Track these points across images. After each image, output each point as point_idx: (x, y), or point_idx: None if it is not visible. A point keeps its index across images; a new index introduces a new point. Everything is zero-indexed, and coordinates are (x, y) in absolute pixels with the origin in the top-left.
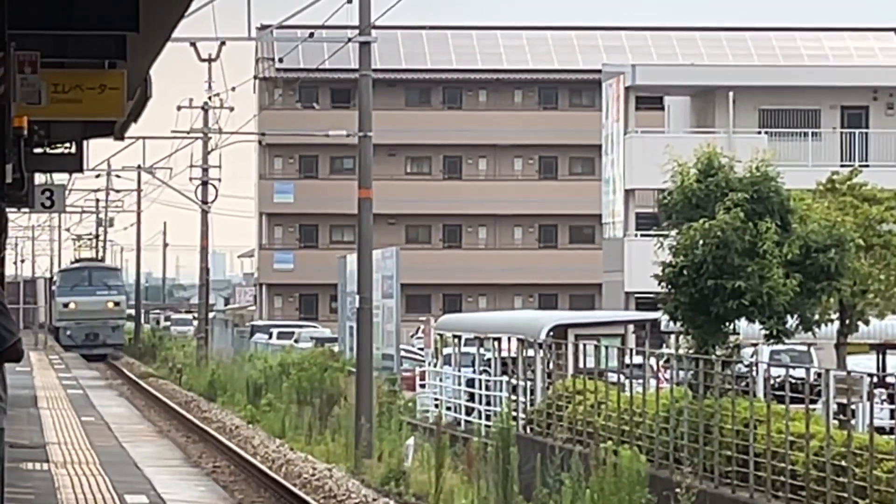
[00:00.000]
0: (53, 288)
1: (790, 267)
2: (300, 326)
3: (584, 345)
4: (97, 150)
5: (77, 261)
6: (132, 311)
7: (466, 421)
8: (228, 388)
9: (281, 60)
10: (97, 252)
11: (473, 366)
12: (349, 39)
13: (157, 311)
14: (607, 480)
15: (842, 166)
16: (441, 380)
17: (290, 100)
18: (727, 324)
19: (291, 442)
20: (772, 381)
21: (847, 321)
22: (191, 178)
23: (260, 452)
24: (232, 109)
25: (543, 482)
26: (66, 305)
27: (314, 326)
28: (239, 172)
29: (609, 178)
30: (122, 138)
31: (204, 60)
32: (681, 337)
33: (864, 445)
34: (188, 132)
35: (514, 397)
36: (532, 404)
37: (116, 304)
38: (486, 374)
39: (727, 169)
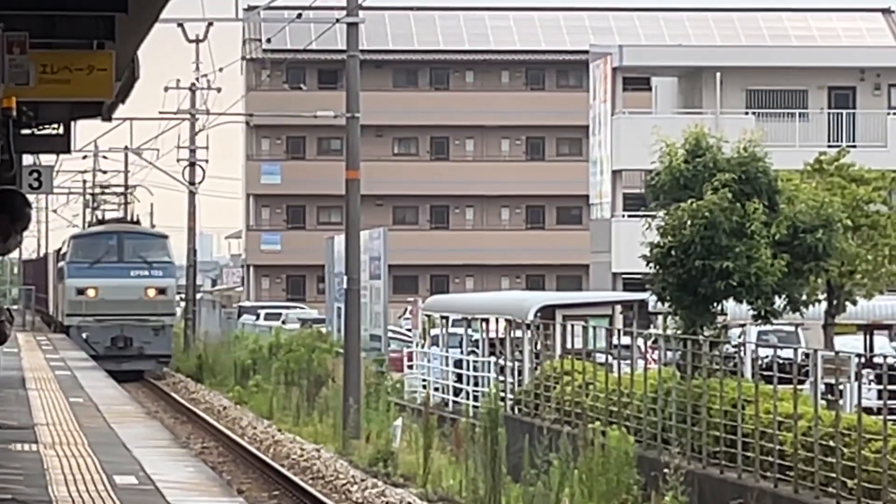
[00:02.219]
0: (62, 265)
1: (778, 247)
2: (287, 308)
3: (572, 325)
4: (84, 131)
5: (100, 222)
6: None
7: (454, 402)
8: (216, 370)
9: (268, 41)
10: (129, 212)
11: (461, 346)
12: (337, 20)
13: None
14: (595, 461)
15: (829, 147)
16: (429, 361)
17: (277, 81)
18: (715, 304)
19: (279, 423)
20: (759, 362)
21: (835, 301)
22: (178, 160)
23: (248, 433)
24: (219, 90)
25: (531, 463)
26: (81, 292)
27: (301, 308)
28: (226, 153)
29: (596, 158)
30: (109, 119)
31: (191, 41)
32: (668, 317)
33: (852, 426)
34: (175, 113)
35: (501, 378)
36: (520, 385)
37: (162, 291)
38: (474, 355)
39: (715, 149)
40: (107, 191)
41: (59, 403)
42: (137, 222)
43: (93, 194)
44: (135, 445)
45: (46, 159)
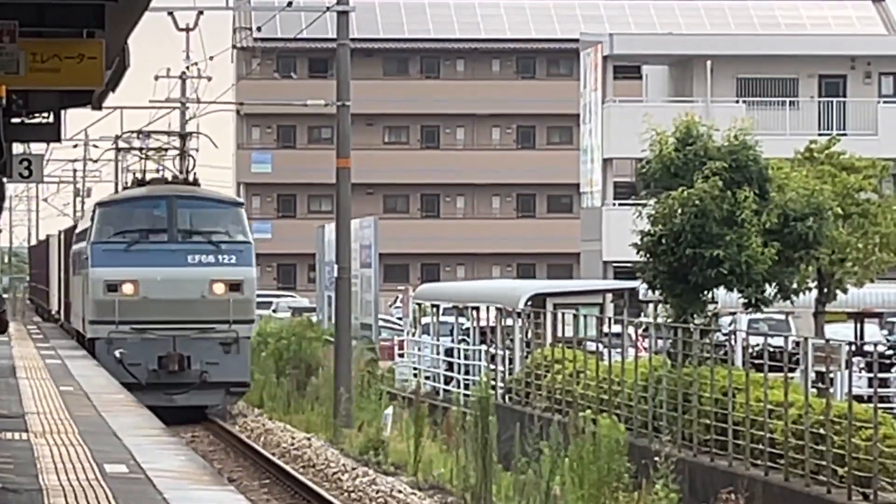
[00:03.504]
0: (80, 248)
1: (768, 235)
2: (278, 296)
3: (563, 314)
4: (75, 119)
5: (141, 182)
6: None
7: (445, 390)
8: None
9: (259, 30)
10: (185, 170)
11: (452, 335)
12: (327, 9)
13: None
14: (586, 449)
15: (819, 135)
16: (419, 349)
17: (267, 69)
18: (705, 292)
19: (270, 412)
20: (750, 350)
21: (825, 290)
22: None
23: (239, 422)
24: (210, 79)
25: (522, 451)
26: (112, 288)
27: (292, 296)
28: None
29: (587, 147)
30: (100, 108)
31: (182, 30)
32: (659, 306)
33: (842, 414)
34: (165, 101)
35: (492, 366)
36: (511, 373)
37: (236, 286)
38: (465, 344)
39: (705, 138)
40: (144, 138)
41: (50, 392)
42: (196, 182)
43: (119, 148)
44: (125, 434)
45: (37, 148)
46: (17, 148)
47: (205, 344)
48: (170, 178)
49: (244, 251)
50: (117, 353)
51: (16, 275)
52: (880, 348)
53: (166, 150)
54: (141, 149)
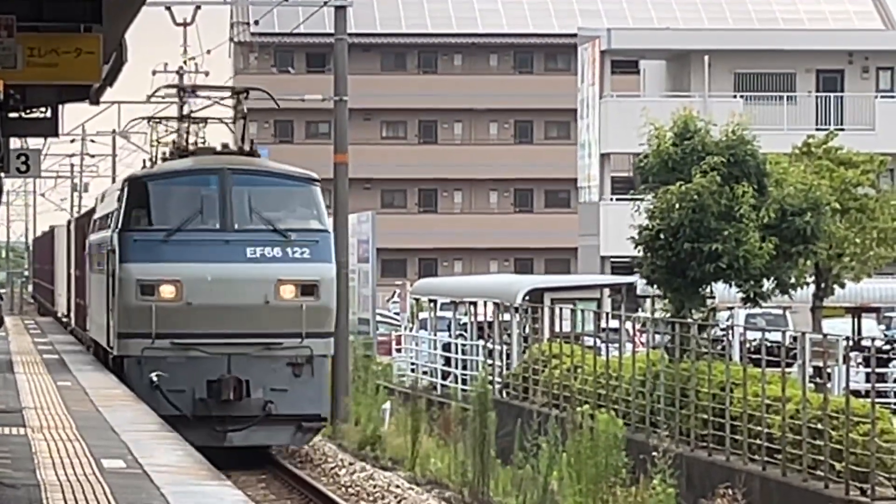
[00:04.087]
0: (102, 237)
1: (766, 230)
2: None
3: (560, 309)
4: (72, 114)
5: (184, 152)
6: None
7: (442, 385)
8: None
9: (256, 24)
10: (241, 134)
11: (449, 330)
12: (325, 3)
13: None
14: (584, 444)
15: (817, 130)
16: (417, 344)
17: (265, 64)
18: (703, 287)
19: None
20: (748, 345)
21: (823, 284)
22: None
23: None
24: (207, 74)
25: (520, 446)
26: (148, 290)
27: None
28: (214, 137)
29: (585, 142)
30: (97, 103)
31: (179, 25)
32: (657, 300)
33: (839, 409)
34: (163, 97)
35: (490, 362)
36: (508, 369)
37: (309, 288)
38: (462, 339)
39: (703, 132)
40: (188, 95)
41: (47, 387)
42: (254, 153)
43: (152, 118)
44: (123, 429)
45: (34, 143)
46: (15, 143)
47: (269, 365)
48: (219, 148)
49: (320, 243)
50: (153, 377)
51: (13, 269)
52: (878, 343)
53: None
54: (182, 117)
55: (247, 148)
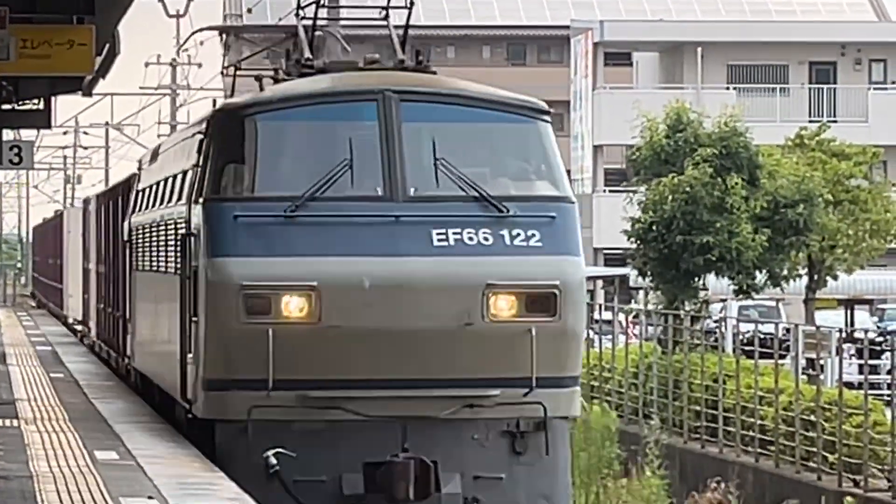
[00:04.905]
0: (164, 215)
1: (759, 222)
2: None
3: None
4: (65, 106)
5: (308, 68)
6: None
7: None
8: None
9: (249, 12)
10: (403, 46)
11: None
12: None
13: None
14: (577, 436)
15: (810, 122)
16: None
17: (257, 55)
18: (696, 279)
19: None
20: (740, 337)
21: (815, 276)
22: (159, 135)
23: None
24: (200, 66)
25: None
26: (259, 305)
27: None
28: None
29: (577, 134)
30: (90, 94)
31: (172, 16)
32: (650, 292)
33: (832, 400)
34: (156, 88)
35: None
36: None
37: (544, 302)
38: None
39: (696, 124)
40: None
41: (40, 379)
42: (426, 68)
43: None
44: (116, 421)
45: (27, 134)
46: (8, 134)
47: (472, 436)
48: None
49: (558, 220)
50: (271, 458)
51: (6, 262)
52: (870, 335)
53: None
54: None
55: (417, 58)
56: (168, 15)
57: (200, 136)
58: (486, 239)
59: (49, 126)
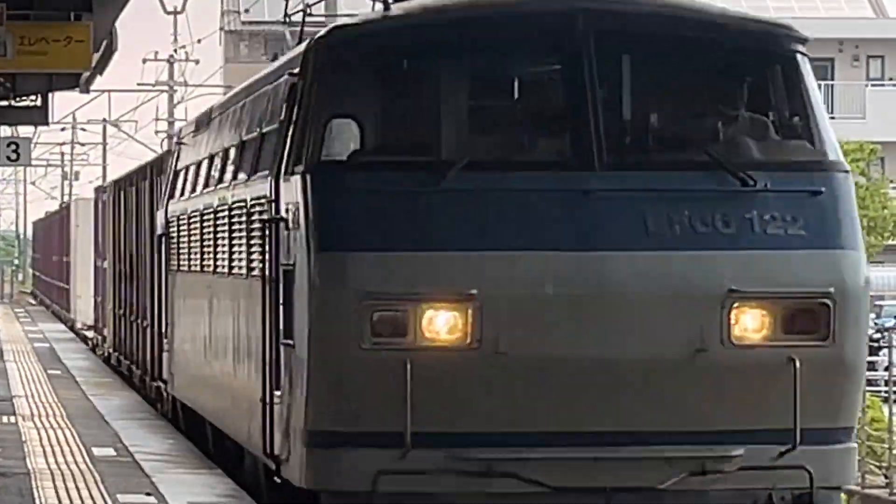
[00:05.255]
0: (217, 201)
1: None
2: None
3: None
4: (62, 103)
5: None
6: None
7: None
8: None
9: (247, 12)
10: None
11: None
12: None
13: None
14: None
15: None
16: None
17: (255, 52)
18: None
19: None
20: None
21: None
22: (156, 132)
23: None
24: (197, 62)
25: None
26: (389, 323)
27: None
28: None
29: None
30: (87, 91)
31: (169, 13)
32: None
33: None
34: (153, 85)
35: None
36: None
37: (811, 318)
38: None
39: None
40: None
41: (38, 375)
42: None
43: None
44: (113, 418)
45: (24, 131)
46: (5, 131)
47: None
48: None
49: (828, 195)
50: None
51: (4, 259)
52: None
53: None
54: None
55: None
56: (166, 11)
57: (293, 80)
58: (724, 224)
59: (46, 122)
